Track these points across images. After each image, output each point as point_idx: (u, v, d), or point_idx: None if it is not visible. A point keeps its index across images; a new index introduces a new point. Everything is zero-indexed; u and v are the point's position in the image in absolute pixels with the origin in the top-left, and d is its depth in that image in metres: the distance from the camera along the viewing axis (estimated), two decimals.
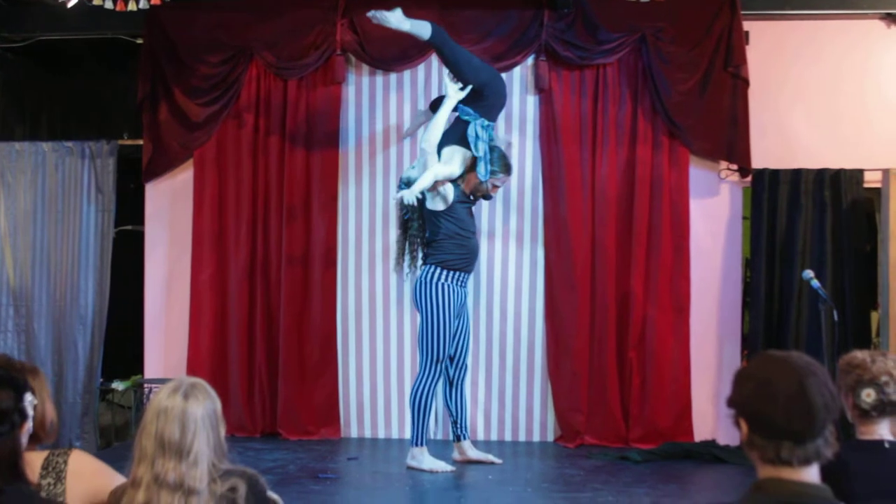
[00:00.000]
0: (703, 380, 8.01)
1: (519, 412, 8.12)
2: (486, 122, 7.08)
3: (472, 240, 7.11)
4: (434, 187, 6.93)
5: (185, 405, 2.91)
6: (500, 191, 7.46)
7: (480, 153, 6.98)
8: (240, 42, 8.31)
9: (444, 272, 6.97)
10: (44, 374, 3.36)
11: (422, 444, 6.99)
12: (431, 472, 6.89)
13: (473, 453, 7.24)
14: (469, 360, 7.35)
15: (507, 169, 7.21)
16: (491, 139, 7.13)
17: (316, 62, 8.22)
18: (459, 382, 7.17)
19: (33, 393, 2.92)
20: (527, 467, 7.46)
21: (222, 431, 3.00)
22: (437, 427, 8.06)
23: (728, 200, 8.17)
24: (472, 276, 7.33)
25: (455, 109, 7.14)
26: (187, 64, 8.36)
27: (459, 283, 7.03)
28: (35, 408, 2.93)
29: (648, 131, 8.05)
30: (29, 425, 2.87)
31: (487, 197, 7.27)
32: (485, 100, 7.13)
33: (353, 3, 8.15)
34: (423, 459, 6.96)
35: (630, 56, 8.07)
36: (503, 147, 7.40)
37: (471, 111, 7.06)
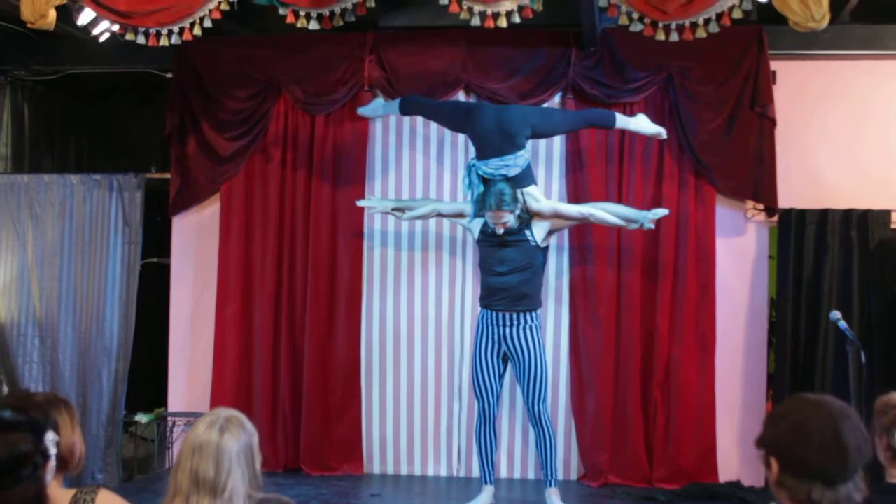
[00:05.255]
0: (728, 420, 7.95)
1: None
2: (472, 162, 7.14)
3: (491, 278, 6.99)
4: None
5: (220, 441, 2.91)
6: None
7: (473, 195, 7.07)
8: (268, 77, 8.34)
9: (480, 307, 7.09)
10: (72, 406, 3.36)
11: (489, 483, 7.02)
12: None
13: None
14: (536, 409, 6.91)
15: (486, 205, 6.85)
16: (488, 175, 7.00)
17: (344, 98, 8.24)
18: (531, 422, 7.02)
19: (56, 429, 2.88)
20: None
21: (258, 464, 3.00)
22: (459, 465, 8.06)
23: (754, 240, 8.14)
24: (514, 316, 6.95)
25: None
26: (215, 98, 8.40)
27: (487, 321, 6.97)
28: (58, 444, 2.87)
29: (675, 169, 8.03)
30: (52, 464, 2.81)
31: (498, 234, 6.95)
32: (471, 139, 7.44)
33: (381, 39, 8.21)
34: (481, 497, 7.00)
35: (657, 94, 8.07)
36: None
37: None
